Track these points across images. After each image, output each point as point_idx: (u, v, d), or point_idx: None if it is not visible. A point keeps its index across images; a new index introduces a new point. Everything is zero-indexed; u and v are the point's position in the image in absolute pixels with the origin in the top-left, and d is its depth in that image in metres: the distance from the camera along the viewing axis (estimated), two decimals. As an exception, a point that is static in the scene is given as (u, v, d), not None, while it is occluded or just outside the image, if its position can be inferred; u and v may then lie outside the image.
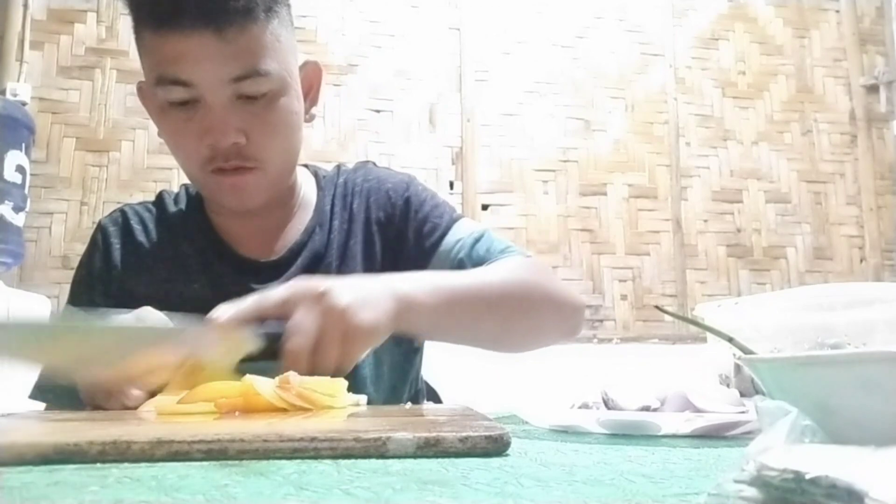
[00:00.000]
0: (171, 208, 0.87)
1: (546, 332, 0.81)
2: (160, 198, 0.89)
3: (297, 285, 0.60)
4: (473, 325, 0.74)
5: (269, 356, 0.57)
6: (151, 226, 0.85)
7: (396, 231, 0.85)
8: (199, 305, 0.61)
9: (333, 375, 0.56)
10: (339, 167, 0.93)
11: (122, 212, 0.87)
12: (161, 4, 0.67)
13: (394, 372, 0.87)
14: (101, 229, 0.86)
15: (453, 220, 0.85)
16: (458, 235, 0.83)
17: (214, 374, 0.55)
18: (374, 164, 0.95)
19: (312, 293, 0.58)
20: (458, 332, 0.74)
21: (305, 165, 0.93)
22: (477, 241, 0.82)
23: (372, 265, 0.84)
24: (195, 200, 0.88)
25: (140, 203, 0.89)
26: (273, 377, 0.54)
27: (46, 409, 0.82)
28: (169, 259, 0.82)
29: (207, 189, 0.78)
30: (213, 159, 0.72)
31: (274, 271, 0.80)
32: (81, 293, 0.84)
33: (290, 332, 0.57)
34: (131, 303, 0.65)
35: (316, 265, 0.82)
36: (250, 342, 0.57)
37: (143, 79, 0.76)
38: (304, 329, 0.57)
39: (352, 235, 0.85)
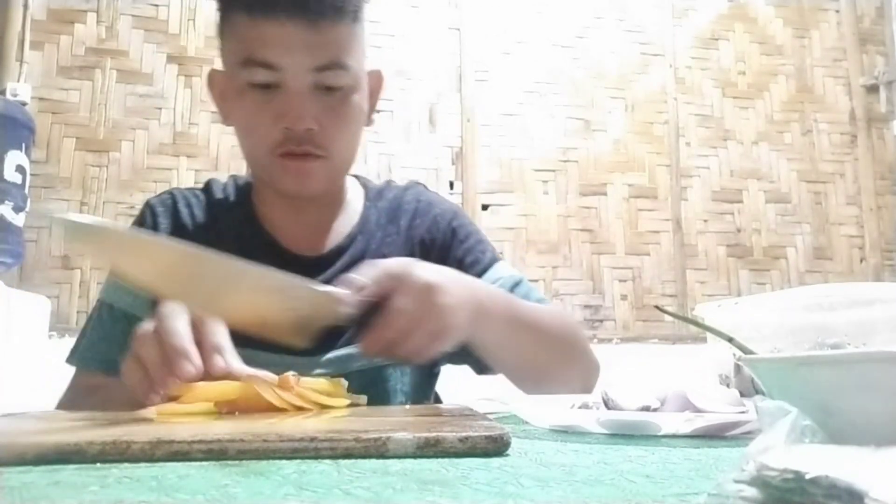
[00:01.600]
0: (219, 196, 0.89)
1: (574, 381, 0.81)
2: (208, 185, 0.90)
3: (404, 268, 0.61)
4: (527, 355, 0.76)
5: (351, 324, 0.59)
6: (198, 211, 0.87)
7: (438, 255, 0.86)
8: None
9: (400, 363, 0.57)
10: (388, 182, 0.97)
11: (171, 194, 0.88)
12: None
13: (419, 387, 0.87)
14: (149, 208, 0.87)
15: (494, 259, 0.89)
16: (498, 275, 0.86)
17: (289, 332, 0.56)
18: (425, 186, 0.98)
19: (419, 283, 0.61)
20: (512, 356, 0.76)
21: (356, 176, 0.95)
22: (516, 284, 0.85)
23: None
24: (242, 191, 0.89)
25: (189, 188, 0.90)
26: (278, 372, 0.54)
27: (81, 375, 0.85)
28: (212, 246, 0.83)
29: (271, 172, 0.79)
30: (284, 143, 0.75)
31: (314, 268, 0.81)
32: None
33: (390, 313, 0.59)
34: None
35: (348, 269, 0.82)
36: (346, 308, 0.58)
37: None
38: (405, 316, 0.59)
39: (393, 249, 0.86)
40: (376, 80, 0.87)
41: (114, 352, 0.73)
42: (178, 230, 0.85)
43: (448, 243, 0.88)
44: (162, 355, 0.54)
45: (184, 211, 0.86)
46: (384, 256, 0.82)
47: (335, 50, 0.74)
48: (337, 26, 0.74)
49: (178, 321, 0.55)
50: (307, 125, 0.74)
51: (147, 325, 0.57)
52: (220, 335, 0.57)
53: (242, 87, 0.75)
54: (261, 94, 0.74)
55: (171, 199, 0.87)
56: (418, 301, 0.60)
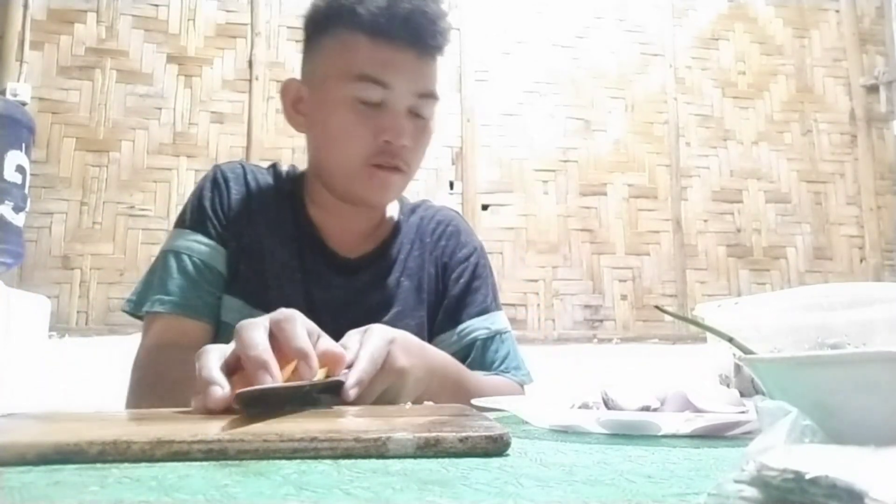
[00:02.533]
0: (281, 183, 0.93)
1: None
2: (274, 168, 0.95)
3: (386, 343, 0.65)
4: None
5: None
6: (264, 189, 0.91)
7: (450, 281, 0.95)
8: (280, 273, 0.84)
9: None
10: (425, 201, 1.05)
11: (241, 165, 0.93)
12: (387, 20, 0.81)
13: None
14: (220, 172, 0.91)
15: (494, 308, 0.96)
16: (488, 323, 0.94)
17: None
18: (460, 215, 1.06)
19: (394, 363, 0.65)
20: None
21: None
22: (492, 337, 0.93)
23: (419, 295, 0.93)
24: (296, 185, 0.94)
25: (254, 165, 0.95)
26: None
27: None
28: (269, 230, 0.89)
29: (357, 179, 0.85)
30: (379, 154, 0.83)
31: (353, 270, 0.90)
32: (197, 221, 0.88)
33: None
34: (230, 243, 0.83)
35: (382, 277, 0.92)
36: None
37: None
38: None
39: (418, 263, 0.94)
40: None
41: (201, 300, 0.81)
42: (245, 201, 0.89)
43: (460, 275, 0.95)
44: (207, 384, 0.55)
45: (252, 184, 0.91)
46: (409, 268, 0.94)
47: (432, 81, 0.86)
48: (436, 63, 0.86)
49: (257, 334, 0.56)
50: (404, 142, 0.83)
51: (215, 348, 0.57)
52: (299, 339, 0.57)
53: (346, 98, 0.82)
54: (366, 108, 0.82)
55: (242, 170, 0.92)
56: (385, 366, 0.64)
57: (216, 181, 0.91)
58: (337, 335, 0.79)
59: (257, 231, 0.87)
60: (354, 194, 0.87)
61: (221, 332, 0.83)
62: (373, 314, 0.87)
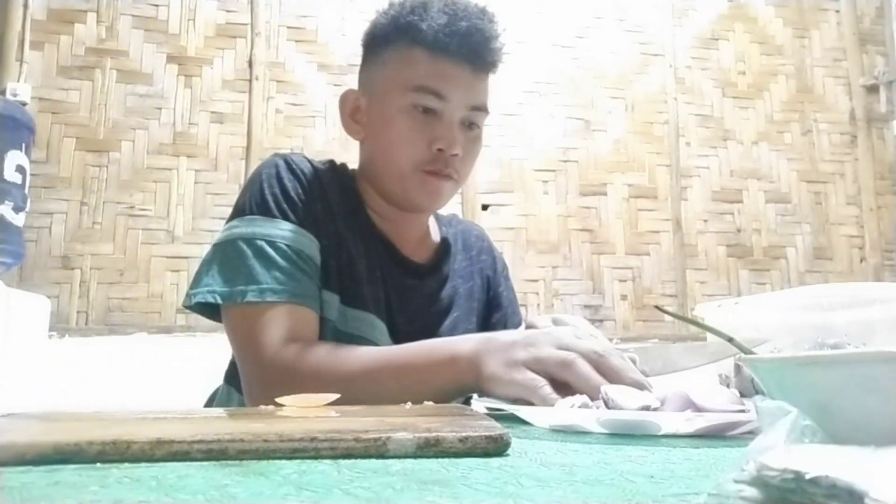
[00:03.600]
0: (347, 180, 0.95)
1: None
2: (334, 164, 0.96)
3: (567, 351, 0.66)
4: None
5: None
6: (332, 182, 0.91)
7: (493, 293, 1.07)
8: (365, 273, 0.86)
9: None
10: (454, 214, 1.15)
11: (306, 157, 0.92)
12: (445, 38, 0.86)
13: None
14: (290, 160, 0.90)
15: (520, 318, 1.10)
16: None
17: None
18: (483, 230, 1.18)
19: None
20: None
21: None
22: None
23: (471, 304, 1.02)
24: (352, 186, 0.95)
25: (318, 161, 0.95)
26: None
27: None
28: (346, 220, 0.90)
29: (410, 184, 0.89)
30: (432, 161, 0.87)
31: (425, 273, 0.96)
32: (279, 208, 0.84)
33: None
34: (309, 226, 0.83)
35: (443, 283, 0.99)
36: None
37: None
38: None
39: (468, 273, 1.03)
40: None
41: (311, 287, 0.81)
42: (320, 193, 0.88)
43: (499, 288, 1.08)
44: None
45: (323, 177, 0.90)
46: (462, 276, 1.02)
47: (484, 96, 0.92)
48: (488, 79, 0.91)
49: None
50: (456, 151, 0.87)
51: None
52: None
53: (405, 107, 0.87)
54: (424, 116, 0.87)
55: (309, 162, 0.91)
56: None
57: (291, 169, 0.87)
58: (408, 338, 0.84)
59: (336, 226, 0.87)
60: (407, 199, 0.91)
61: (322, 329, 0.83)
62: (439, 318, 0.95)
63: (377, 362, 0.73)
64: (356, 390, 0.67)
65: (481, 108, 0.91)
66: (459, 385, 0.69)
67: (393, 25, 0.90)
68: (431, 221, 1.03)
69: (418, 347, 0.74)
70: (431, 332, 0.91)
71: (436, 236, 1.02)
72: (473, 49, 0.87)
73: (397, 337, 0.88)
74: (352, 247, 0.88)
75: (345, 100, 0.95)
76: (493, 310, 1.06)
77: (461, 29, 0.86)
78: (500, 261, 1.12)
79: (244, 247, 0.80)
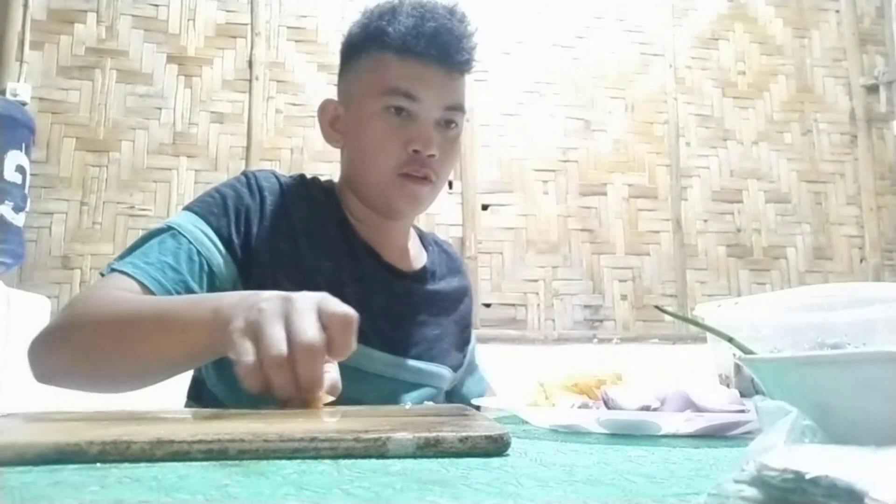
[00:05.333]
0: (318, 193, 0.94)
1: None
2: (303, 179, 0.95)
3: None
4: None
5: None
6: (299, 201, 0.91)
7: (467, 311, 1.07)
8: (335, 284, 0.80)
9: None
10: (430, 233, 1.14)
11: (273, 174, 0.92)
12: (417, 41, 0.87)
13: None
14: (253, 178, 0.89)
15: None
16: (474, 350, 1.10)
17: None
18: (461, 261, 1.16)
19: None
20: None
21: None
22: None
23: (454, 316, 1.02)
24: (332, 196, 0.95)
25: (287, 175, 0.95)
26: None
27: None
28: (313, 235, 0.89)
29: (388, 189, 0.89)
30: (409, 163, 0.87)
31: (416, 281, 0.96)
32: (211, 213, 0.83)
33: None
34: (262, 255, 0.82)
35: (432, 293, 0.98)
36: None
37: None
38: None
39: (454, 292, 1.03)
40: None
41: (174, 283, 0.77)
42: (282, 212, 0.88)
43: (469, 314, 1.07)
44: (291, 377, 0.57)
45: (288, 195, 0.90)
46: (450, 295, 1.01)
47: (459, 95, 0.91)
48: (461, 79, 0.91)
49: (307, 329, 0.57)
50: (432, 151, 0.86)
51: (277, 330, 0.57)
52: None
53: (378, 111, 0.87)
54: (396, 119, 0.87)
55: (276, 180, 0.91)
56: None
57: (252, 188, 0.87)
58: (391, 344, 0.85)
59: (297, 244, 0.86)
60: (387, 204, 0.91)
61: None
62: (426, 326, 0.94)
63: (139, 309, 0.69)
64: (108, 339, 0.68)
65: (457, 108, 0.90)
66: (212, 343, 0.62)
67: (364, 33, 0.91)
68: (413, 235, 1.03)
69: (187, 299, 0.72)
70: (417, 338, 0.92)
71: (419, 251, 1.03)
72: (442, 49, 0.87)
73: (388, 336, 0.88)
74: (320, 261, 0.86)
75: (324, 109, 0.96)
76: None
77: (429, 30, 0.86)
78: (470, 287, 1.11)
79: (156, 231, 0.80)
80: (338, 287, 0.83)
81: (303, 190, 0.92)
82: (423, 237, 1.07)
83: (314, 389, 0.56)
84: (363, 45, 0.91)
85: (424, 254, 1.03)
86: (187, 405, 0.92)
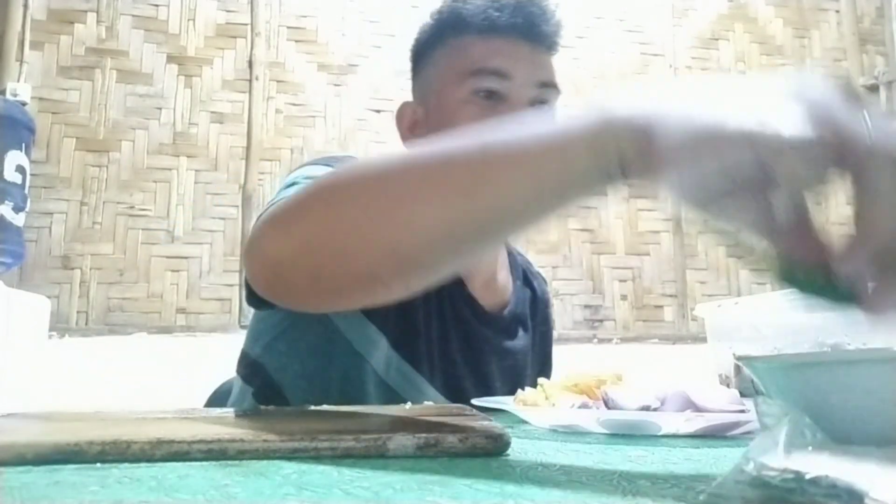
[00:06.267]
0: None
1: None
2: None
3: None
4: None
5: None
6: None
7: (544, 330, 0.97)
8: (424, 311, 0.75)
9: None
10: (528, 261, 1.04)
11: None
12: (497, 16, 0.78)
13: None
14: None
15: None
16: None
17: None
18: (545, 283, 1.03)
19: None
20: None
21: None
22: None
23: (531, 356, 0.92)
24: None
25: None
26: None
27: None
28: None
29: None
30: None
31: (492, 321, 0.85)
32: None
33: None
34: None
35: (512, 335, 0.88)
36: None
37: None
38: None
39: (530, 312, 0.93)
40: None
41: None
42: None
43: (548, 357, 0.97)
44: None
45: None
46: (528, 349, 0.89)
47: (550, 72, 0.81)
48: (550, 55, 0.82)
49: None
50: None
51: None
52: None
53: (466, 98, 0.78)
54: (487, 101, 0.77)
55: None
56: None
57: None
58: (454, 388, 0.77)
59: None
60: None
61: (346, 359, 0.74)
62: (495, 379, 0.85)
63: (434, 151, 0.43)
64: (395, 189, 0.41)
65: (551, 85, 0.81)
66: (598, 169, 0.40)
67: (438, 25, 0.83)
68: (504, 259, 0.93)
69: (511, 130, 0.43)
70: (482, 391, 0.81)
71: (507, 280, 0.91)
72: (528, 21, 0.79)
73: (452, 381, 0.80)
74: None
75: (401, 115, 0.87)
76: None
77: (507, 4, 0.79)
78: (548, 296, 1.00)
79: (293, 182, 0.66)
80: (424, 319, 0.78)
81: None
82: (514, 265, 0.95)
83: None
84: (438, 37, 0.83)
85: (512, 287, 0.91)
86: (239, 386, 0.83)
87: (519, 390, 0.62)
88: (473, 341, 0.83)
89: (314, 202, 0.45)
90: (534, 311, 0.94)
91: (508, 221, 0.41)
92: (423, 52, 0.85)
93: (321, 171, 0.66)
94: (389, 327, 0.75)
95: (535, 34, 0.79)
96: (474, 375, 0.82)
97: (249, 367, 0.81)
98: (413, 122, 0.85)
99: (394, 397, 0.74)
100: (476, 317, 0.83)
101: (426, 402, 0.70)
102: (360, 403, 0.73)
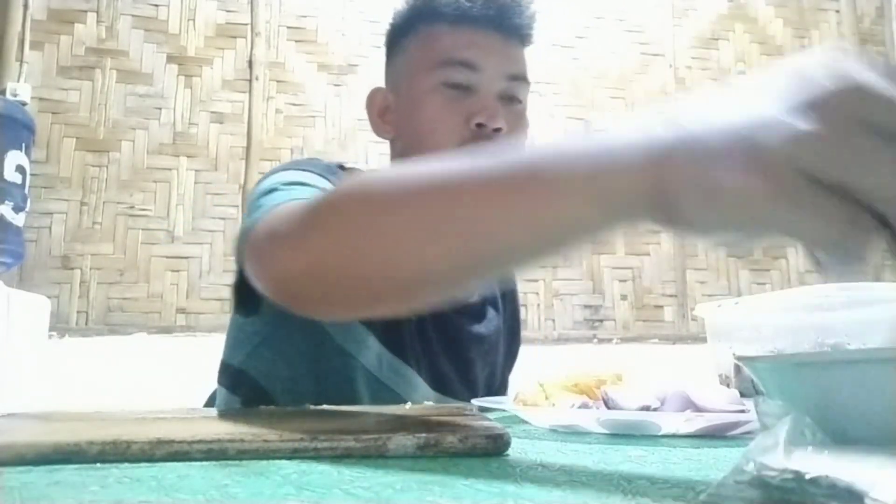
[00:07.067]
0: None
1: None
2: (343, 168, 0.85)
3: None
4: None
5: None
6: None
7: (514, 318, 0.98)
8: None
9: None
10: None
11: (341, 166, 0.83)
12: (469, 6, 0.78)
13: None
14: (341, 169, 0.80)
15: None
16: None
17: None
18: None
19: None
20: None
21: None
22: None
23: (506, 336, 0.94)
24: None
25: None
26: None
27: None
28: None
29: None
30: (472, 140, 0.76)
31: (467, 316, 0.86)
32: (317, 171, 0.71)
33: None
34: None
35: (490, 325, 0.89)
36: None
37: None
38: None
39: (504, 299, 0.94)
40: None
41: None
42: None
43: (517, 331, 0.98)
44: None
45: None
46: (500, 329, 0.90)
47: (521, 65, 0.82)
48: (522, 46, 0.83)
49: None
50: (499, 124, 0.76)
51: None
52: None
53: (434, 86, 0.77)
54: (455, 92, 0.77)
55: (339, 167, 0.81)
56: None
57: (329, 168, 0.76)
58: (438, 379, 0.78)
59: None
60: None
61: (335, 359, 0.74)
62: (476, 367, 0.86)
63: (452, 170, 0.41)
64: (406, 211, 0.41)
65: (522, 78, 0.81)
66: (617, 209, 0.38)
67: (410, 12, 0.83)
68: None
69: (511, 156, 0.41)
70: (465, 378, 0.84)
71: None
72: (501, 11, 0.78)
73: (436, 371, 0.81)
74: None
75: (372, 99, 0.87)
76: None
77: None
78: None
79: (267, 189, 0.64)
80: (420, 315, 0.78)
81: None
82: None
83: None
84: (410, 25, 0.82)
85: None
86: (221, 393, 0.81)
87: (518, 391, 0.62)
88: (451, 331, 0.84)
89: (323, 221, 0.46)
90: (502, 289, 0.95)
91: (511, 260, 0.42)
92: (396, 38, 0.85)
93: (296, 176, 0.66)
94: (376, 324, 0.75)
95: (508, 26, 0.79)
96: (456, 364, 0.83)
97: (233, 376, 0.80)
98: (383, 108, 0.85)
99: (386, 394, 0.75)
100: (453, 309, 0.83)
101: (426, 402, 0.70)
102: (352, 403, 0.73)
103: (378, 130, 0.87)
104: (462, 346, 0.85)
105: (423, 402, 0.77)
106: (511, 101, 0.81)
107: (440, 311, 0.81)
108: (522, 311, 2.74)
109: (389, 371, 0.76)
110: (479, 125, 0.75)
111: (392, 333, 0.77)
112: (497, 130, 0.76)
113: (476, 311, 0.88)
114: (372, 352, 0.75)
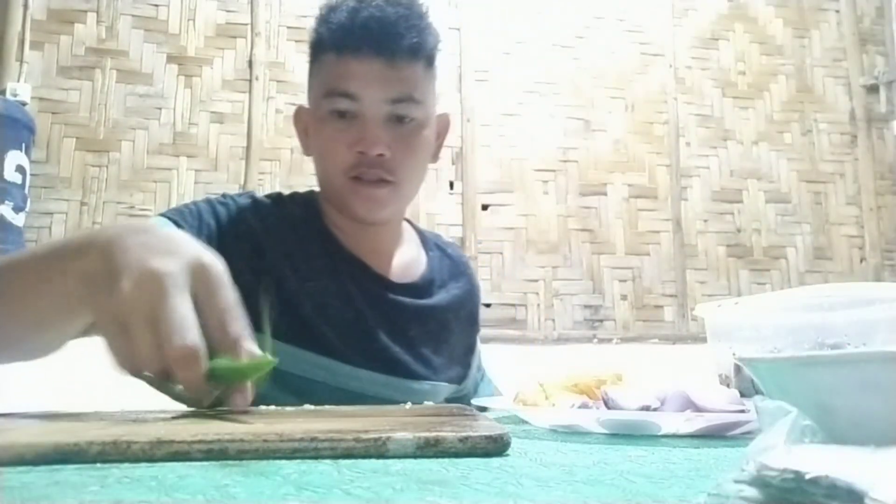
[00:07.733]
0: (295, 209, 0.91)
1: None
2: (280, 197, 0.93)
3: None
4: None
5: None
6: (277, 220, 0.87)
7: (472, 319, 1.02)
8: (321, 306, 0.79)
9: None
10: (438, 235, 1.09)
11: (253, 196, 0.90)
12: (349, 35, 0.82)
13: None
14: (231, 200, 0.86)
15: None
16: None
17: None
18: (469, 263, 1.09)
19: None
20: None
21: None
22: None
23: (461, 324, 0.98)
24: (314, 208, 0.92)
25: (265, 196, 0.91)
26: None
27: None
28: (294, 256, 0.85)
29: (343, 195, 0.85)
30: (357, 166, 0.82)
31: (416, 293, 0.91)
32: (185, 220, 0.79)
33: None
34: (242, 278, 0.61)
35: (435, 304, 0.93)
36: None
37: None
38: None
39: (457, 303, 0.97)
40: (444, 123, 0.94)
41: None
42: (263, 232, 0.84)
43: (475, 318, 1.03)
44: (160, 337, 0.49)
45: (268, 216, 0.87)
46: (450, 307, 0.95)
47: (409, 86, 0.83)
48: (412, 66, 0.83)
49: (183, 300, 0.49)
50: (379, 150, 0.81)
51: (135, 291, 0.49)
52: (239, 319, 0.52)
53: (324, 115, 0.84)
54: (340, 121, 0.83)
55: (253, 200, 0.88)
56: None
57: (222, 202, 0.85)
58: (383, 362, 0.81)
59: (278, 267, 0.82)
60: (347, 211, 0.87)
61: (294, 390, 0.76)
62: (421, 343, 0.89)
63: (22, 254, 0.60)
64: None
65: (406, 100, 0.83)
66: (87, 286, 0.51)
67: (314, 37, 0.87)
68: (409, 233, 0.98)
69: (61, 241, 0.59)
70: (411, 356, 0.87)
71: (419, 256, 0.97)
72: (377, 39, 0.81)
73: (379, 354, 0.84)
74: (307, 284, 0.82)
75: (297, 119, 0.93)
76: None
77: (360, 21, 0.81)
78: (478, 294, 1.06)
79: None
80: (322, 308, 0.82)
81: (280, 209, 0.88)
82: (424, 240, 1.01)
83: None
84: (312, 52, 0.88)
85: (425, 259, 0.97)
86: None
87: (518, 391, 0.62)
88: (390, 312, 0.87)
89: None
90: (454, 272, 0.99)
91: (52, 327, 0.61)
92: (310, 62, 0.90)
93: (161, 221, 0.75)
94: (310, 342, 0.80)
95: (387, 51, 0.81)
96: (400, 343, 0.87)
97: None
98: (306, 127, 0.90)
99: (354, 400, 0.74)
100: (388, 289, 0.88)
101: (426, 402, 0.70)
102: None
103: (303, 146, 0.92)
104: (405, 325, 0.88)
105: (375, 389, 0.81)
106: (400, 122, 0.84)
107: (377, 295, 0.87)
108: (522, 310, 2.75)
109: (349, 379, 0.81)
110: (360, 152, 0.81)
111: (329, 340, 0.81)
112: (380, 156, 0.81)
113: (419, 290, 0.92)
114: (322, 370, 0.79)
